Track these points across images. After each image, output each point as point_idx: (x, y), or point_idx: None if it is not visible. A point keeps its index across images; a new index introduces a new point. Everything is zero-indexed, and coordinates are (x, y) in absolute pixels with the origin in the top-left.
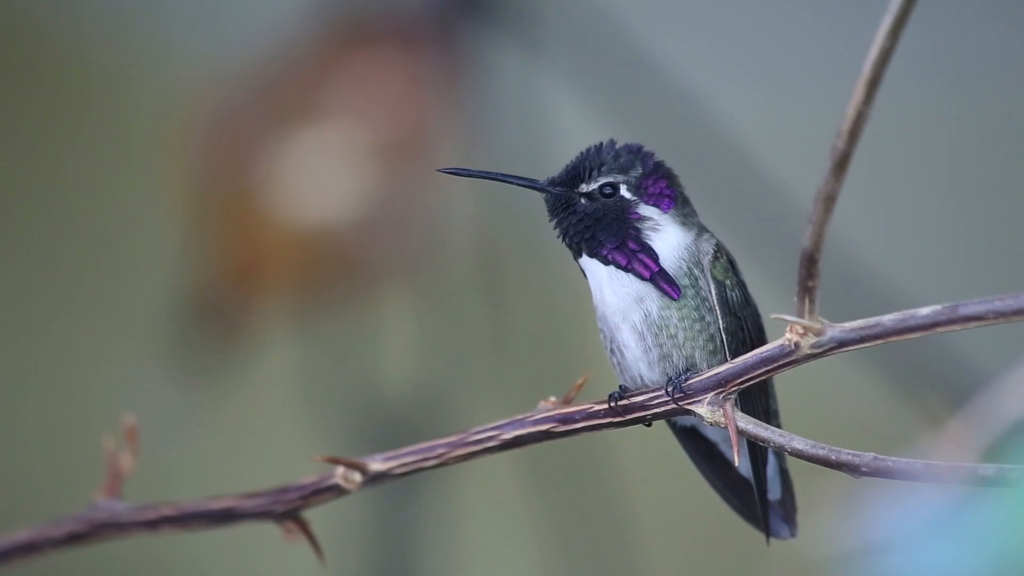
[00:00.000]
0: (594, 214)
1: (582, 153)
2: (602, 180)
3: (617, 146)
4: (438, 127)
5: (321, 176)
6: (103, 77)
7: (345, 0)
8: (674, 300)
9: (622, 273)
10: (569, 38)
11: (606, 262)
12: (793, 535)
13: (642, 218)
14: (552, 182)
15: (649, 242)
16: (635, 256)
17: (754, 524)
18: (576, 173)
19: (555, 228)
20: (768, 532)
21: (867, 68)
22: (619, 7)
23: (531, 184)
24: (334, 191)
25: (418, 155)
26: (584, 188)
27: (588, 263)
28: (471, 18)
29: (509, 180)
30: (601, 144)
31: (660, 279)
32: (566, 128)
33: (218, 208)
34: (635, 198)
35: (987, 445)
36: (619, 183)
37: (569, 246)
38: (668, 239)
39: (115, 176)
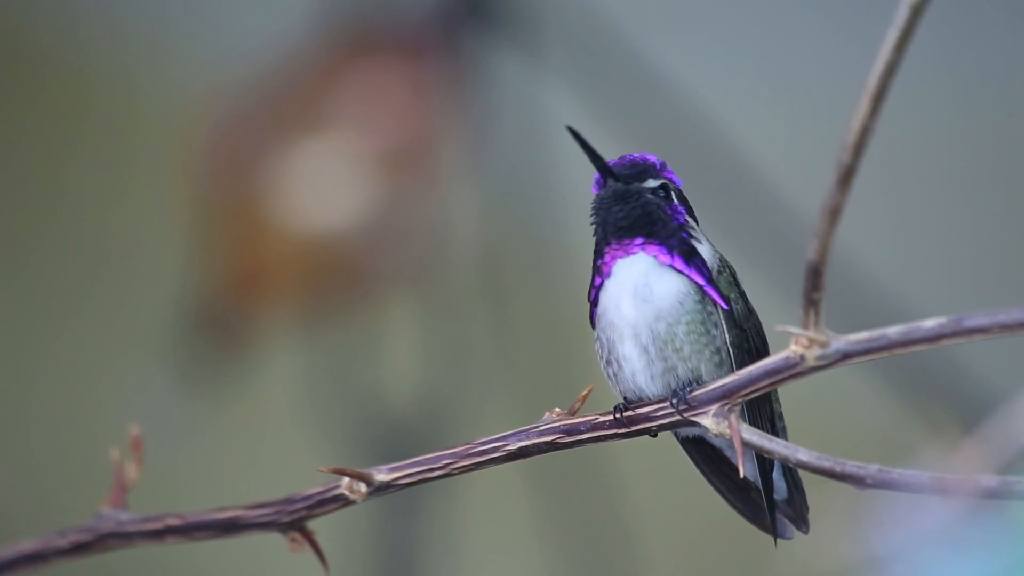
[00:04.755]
0: (662, 207)
1: (629, 156)
2: (660, 181)
3: (652, 157)
4: (441, 136)
5: (325, 185)
6: (106, 87)
7: (349, 10)
8: (725, 310)
9: (651, 285)
10: (571, 47)
11: (670, 253)
12: (805, 532)
13: (689, 225)
14: (616, 176)
15: (698, 249)
16: (692, 259)
17: (759, 527)
18: (640, 170)
19: (604, 218)
20: (776, 534)
21: (872, 82)
22: (622, 16)
23: (607, 170)
24: (338, 200)
25: (421, 164)
26: (651, 184)
27: (629, 264)
28: (474, 27)
29: (598, 163)
30: (641, 154)
31: (711, 287)
32: (568, 137)
33: (222, 217)
34: (681, 207)
35: (1001, 466)
36: (671, 189)
37: (622, 232)
38: (705, 251)
39: (119, 186)
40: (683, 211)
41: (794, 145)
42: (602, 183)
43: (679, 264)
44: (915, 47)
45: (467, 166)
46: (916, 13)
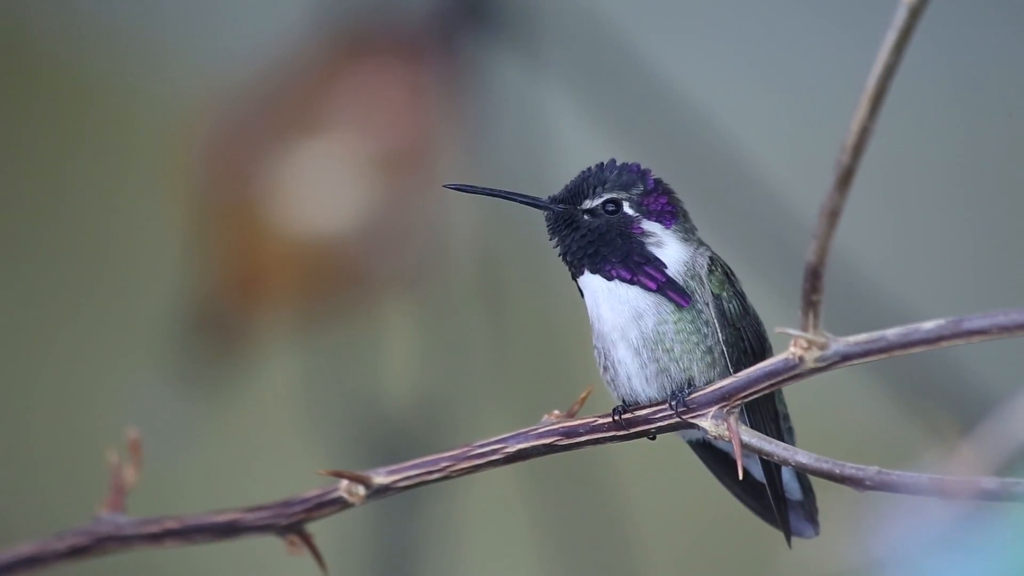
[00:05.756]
0: (597, 230)
1: (583, 172)
2: (605, 196)
3: (618, 164)
4: (439, 138)
5: (323, 187)
6: (105, 89)
7: (347, 12)
8: (683, 308)
9: (621, 290)
10: (570, 49)
11: (609, 277)
12: (816, 533)
13: (645, 233)
14: (554, 200)
15: (657, 255)
16: (640, 268)
17: (773, 525)
18: (578, 191)
19: (556, 246)
20: (788, 534)
21: (871, 84)
22: (620, 19)
23: (533, 202)
24: (336, 202)
25: (419, 166)
26: (587, 205)
27: (587, 280)
28: (472, 29)
29: (512, 197)
30: (602, 163)
31: (668, 288)
32: (566, 139)
33: (220, 219)
34: (638, 214)
35: (999, 467)
36: (622, 200)
37: (571, 263)
38: (670, 254)
39: (117, 188)
40: (637, 219)
41: (793, 147)
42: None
43: (625, 276)
44: (914, 47)
45: (465, 168)
46: (914, 15)
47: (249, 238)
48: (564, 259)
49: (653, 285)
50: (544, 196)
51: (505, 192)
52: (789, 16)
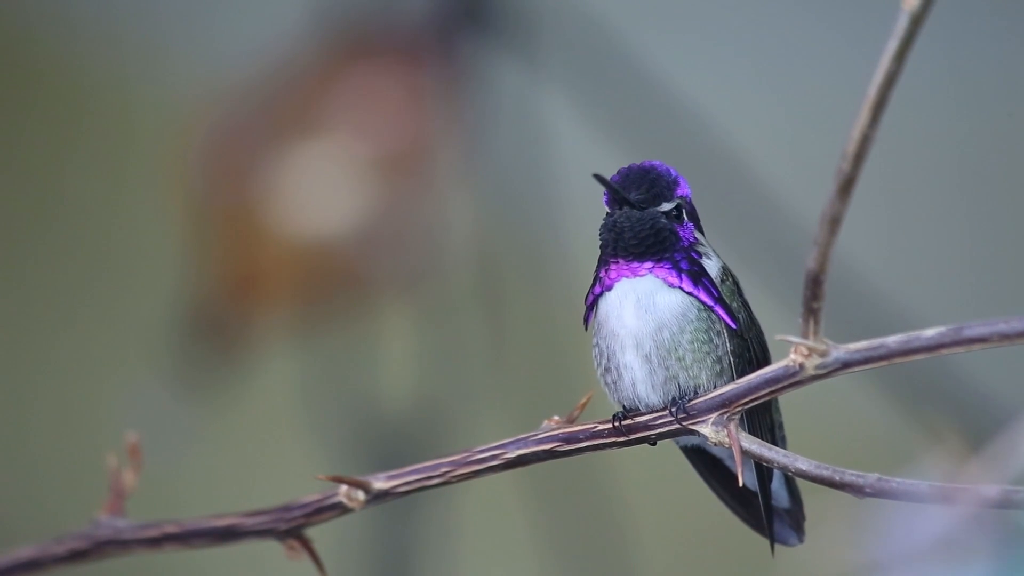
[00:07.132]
0: (674, 231)
1: (640, 171)
2: (676, 201)
3: (664, 168)
4: (437, 140)
5: (320, 189)
6: (103, 92)
7: (345, 13)
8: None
9: (660, 296)
10: (568, 52)
11: (679, 275)
12: (801, 541)
13: (698, 242)
14: (633, 204)
15: (706, 267)
16: (700, 280)
17: (760, 533)
18: (656, 194)
19: (631, 240)
20: (773, 542)
21: (872, 92)
22: (619, 21)
23: (626, 201)
24: (333, 204)
25: (417, 168)
26: (665, 207)
27: (629, 283)
28: (470, 31)
29: (619, 197)
30: (652, 165)
31: (719, 306)
32: (565, 142)
33: (218, 222)
34: (690, 222)
35: (1006, 479)
36: (683, 207)
37: (638, 256)
38: (710, 265)
39: (114, 191)
40: (692, 227)
41: (794, 152)
42: (616, 205)
43: (688, 286)
44: (914, 48)
45: (463, 171)
46: (916, 23)
47: (247, 241)
48: (620, 251)
49: (710, 300)
50: (546, 202)
51: (616, 191)
52: (789, 19)
